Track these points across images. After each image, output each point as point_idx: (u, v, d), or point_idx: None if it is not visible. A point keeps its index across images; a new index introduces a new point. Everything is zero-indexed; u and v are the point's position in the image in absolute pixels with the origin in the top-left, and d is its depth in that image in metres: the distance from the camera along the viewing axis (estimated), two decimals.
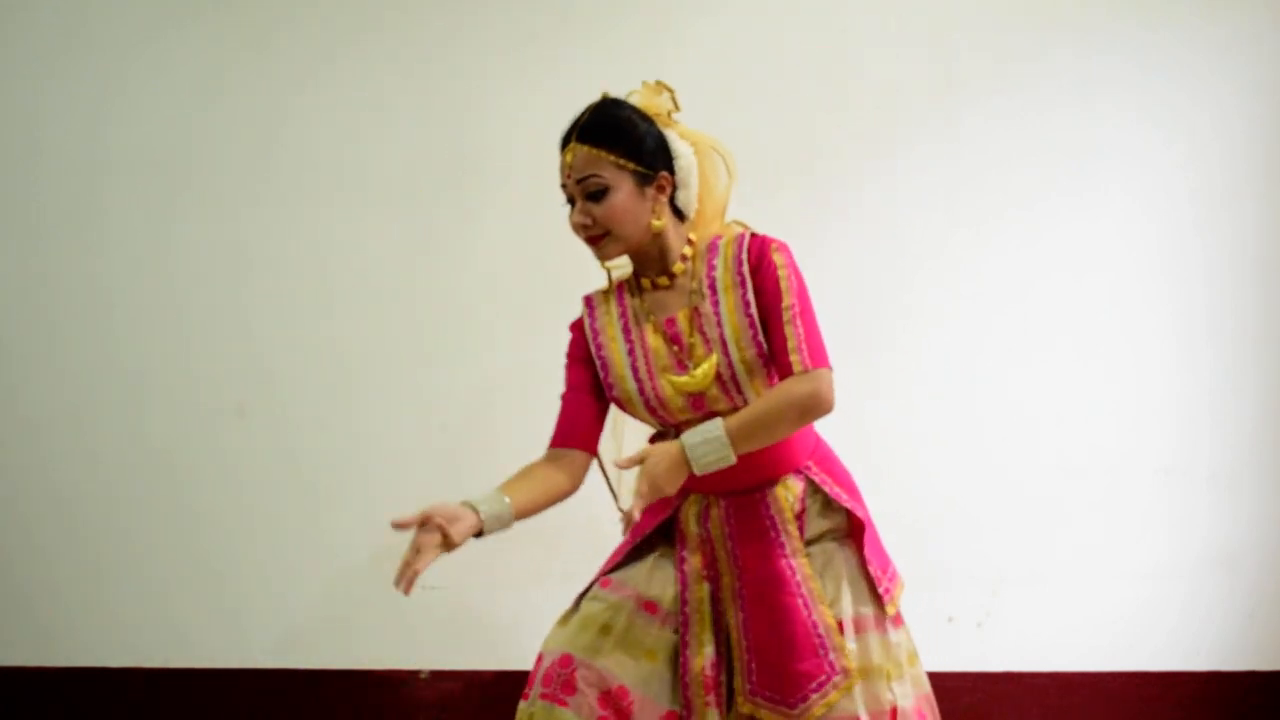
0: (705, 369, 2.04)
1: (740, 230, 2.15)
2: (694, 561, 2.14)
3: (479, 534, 1.92)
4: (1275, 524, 3.22)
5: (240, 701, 3.24)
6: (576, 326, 2.20)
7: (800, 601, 2.08)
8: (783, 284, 2.04)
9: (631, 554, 2.20)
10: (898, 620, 2.15)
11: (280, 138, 3.18)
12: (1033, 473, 3.19)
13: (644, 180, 2.06)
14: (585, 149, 2.03)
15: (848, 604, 2.10)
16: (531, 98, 3.11)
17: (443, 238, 3.18)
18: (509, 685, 2.77)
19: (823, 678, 2.06)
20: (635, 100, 2.12)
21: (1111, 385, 3.19)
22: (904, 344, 3.19)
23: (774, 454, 2.09)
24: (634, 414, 2.14)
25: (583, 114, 2.07)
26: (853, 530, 2.16)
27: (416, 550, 1.85)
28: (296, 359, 3.20)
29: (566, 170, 2.05)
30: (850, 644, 2.08)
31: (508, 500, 1.95)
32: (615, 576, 2.16)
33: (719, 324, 2.05)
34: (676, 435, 2.10)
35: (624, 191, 2.04)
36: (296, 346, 3.21)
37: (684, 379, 2.05)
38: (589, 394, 2.15)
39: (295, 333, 3.20)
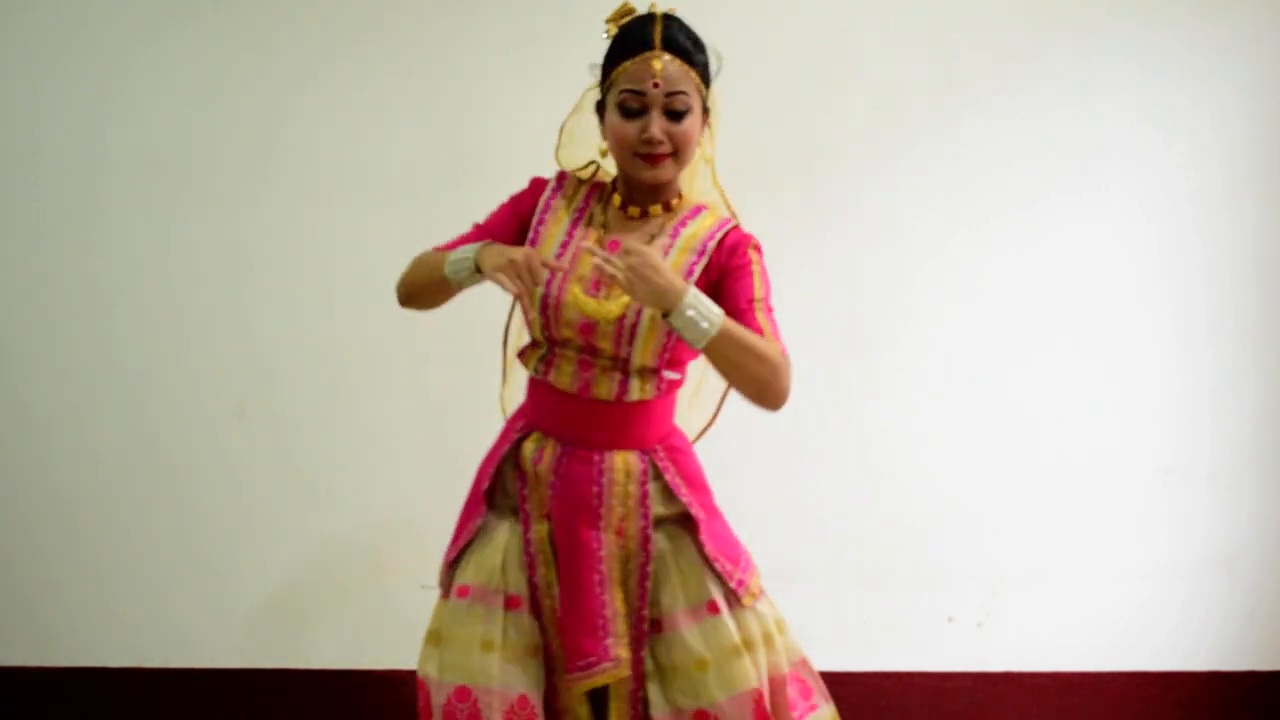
0: (615, 306, 1.98)
1: (727, 214, 2.11)
2: (533, 499, 2.09)
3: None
4: (1275, 524, 3.22)
5: (240, 701, 3.24)
6: (538, 184, 2.14)
7: (597, 577, 2.02)
8: (756, 277, 2.00)
9: (480, 520, 2.12)
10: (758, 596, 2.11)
11: (280, 138, 3.17)
12: (1033, 473, 3.19)
13: (704, 110, 2.04)
14: (678, 63, 1.96)
15: (712, 586, 2.05)
16: (531, 98, 3.11)
17: (443, 238, 3.17)
18: None
19: (593, 659, 2.01)
20: (633, 8, 2.07)
21: (1111, 385, 3.19)
22: (904, 344, 3.19)
23: (627, 420, 2.05)
24: (525, 307, 2.03)
25: (657, 20, 1.98)
26: (692, 528, 2.10)
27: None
28: (296, 359, 3.20)
29: (653, 78, 1.94)
30: (729, 622, 2.04)
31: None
32: (472, 583, 2.08)
33: None
34: (549, 352, 2.06)
35: (696, 115, 2.00)
36: (296, 346, 3.20)
37: (591, 301, 1.99)
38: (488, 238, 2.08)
39: (295, 333, 3.20)
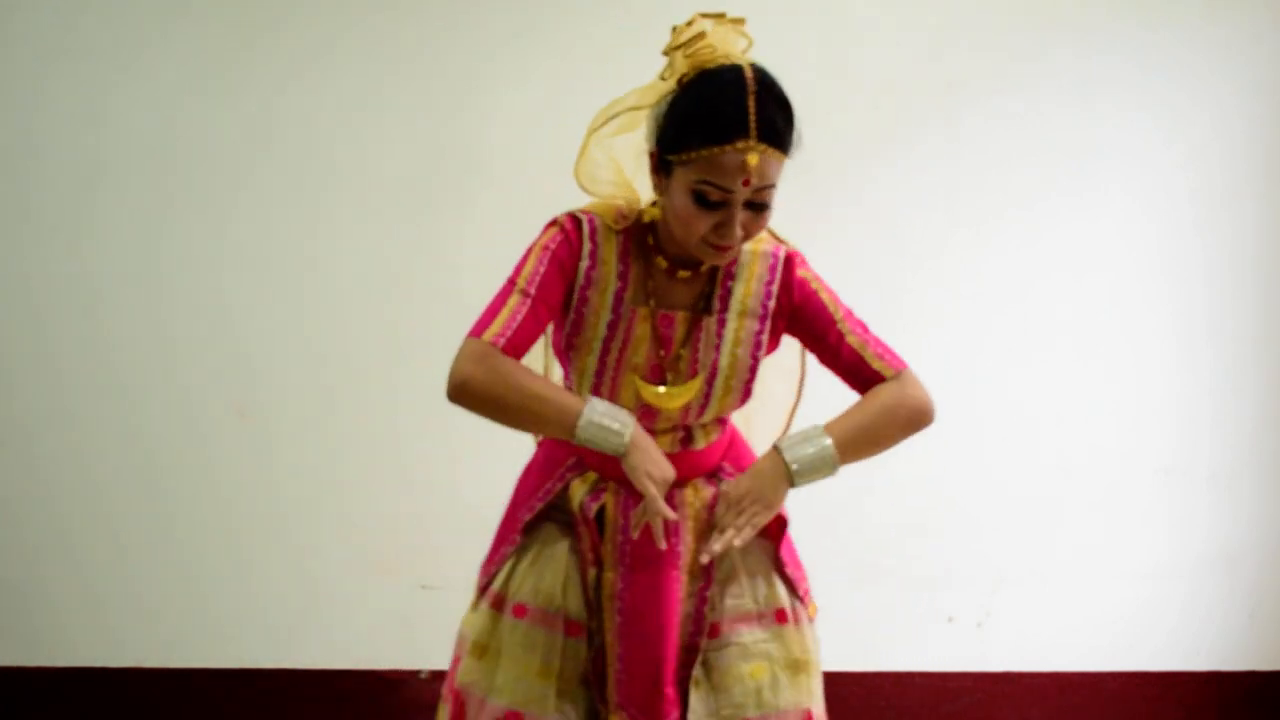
0: (684, 393, 1.80)
1: (767, 242, 1.86)
2: (584, 544, 1.88)
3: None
4: (1275, 524, 3.22)
5: (239, 702, 3.24)
6: (569, 236, 1.78)
7: (668, 623, 1.86)
8: (825, 299, 1.85)
9: (522, 541, 1.93)
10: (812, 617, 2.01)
11: (277, 138, 3.17)
12: (1033, 473, 3.19)
13: None
14: (772, 153, 1.68)
15: (782, 593, 1.94)
16: (533, 97, 3.11)
17: (442, 238, 3.18)
18: None
19: (651, 716, 1.86)
20: (711, 44, 1.69)
21: (1111, 385, 3.19)
22: (904, 344, 3.16)
23: (690, 462, 1.87)
24: (570, 365, 1.82)
25: (751, 95, 1.67)
26: (769, 530, 1.94)
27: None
28: (292, 360, 3.19)
29: (745, 174, 1.65)
30: (793, 634, 1.92)
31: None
32: (530, 603, 1.88)
33: (717, 348, 1.82)
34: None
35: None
36: (293, 348, 3.19)
37: (657, 392, 1.79)
38: (548, 316, 1.79)
39: (291, 334, 3.19)
